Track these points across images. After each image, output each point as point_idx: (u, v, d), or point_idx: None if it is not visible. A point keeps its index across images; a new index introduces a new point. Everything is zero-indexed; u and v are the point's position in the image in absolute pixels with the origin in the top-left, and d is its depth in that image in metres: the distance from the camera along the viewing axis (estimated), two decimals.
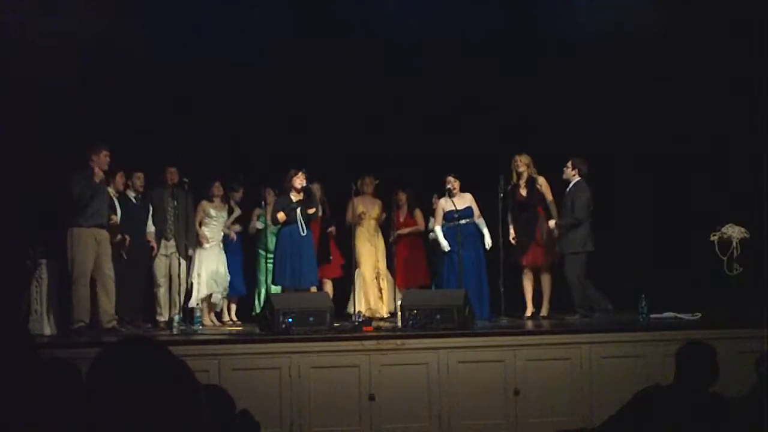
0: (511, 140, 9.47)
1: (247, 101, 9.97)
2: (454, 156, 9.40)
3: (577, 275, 8.73)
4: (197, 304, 8.97)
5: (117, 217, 8.48)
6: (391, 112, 10.18)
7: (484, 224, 9.01)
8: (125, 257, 8.60)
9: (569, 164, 8.98)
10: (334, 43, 9.94)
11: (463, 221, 8.89)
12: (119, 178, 8.76)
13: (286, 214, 8.79)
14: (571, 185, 8.96)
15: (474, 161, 9.35)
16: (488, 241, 8.96)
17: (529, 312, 9.05)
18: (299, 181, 8.84)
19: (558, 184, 9.11)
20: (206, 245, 9.22)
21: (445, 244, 8.96)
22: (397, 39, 9.88)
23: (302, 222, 8.79)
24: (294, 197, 8.84)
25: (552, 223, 8.92)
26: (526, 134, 9.71)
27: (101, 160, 8.03)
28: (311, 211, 8.91)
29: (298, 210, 8.79)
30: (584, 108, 9.92)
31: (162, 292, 9.05)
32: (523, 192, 9.05)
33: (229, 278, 9.31)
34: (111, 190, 8.52)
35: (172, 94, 9.53)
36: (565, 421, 6.86)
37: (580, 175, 8.94)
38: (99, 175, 8.02)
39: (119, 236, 8.59)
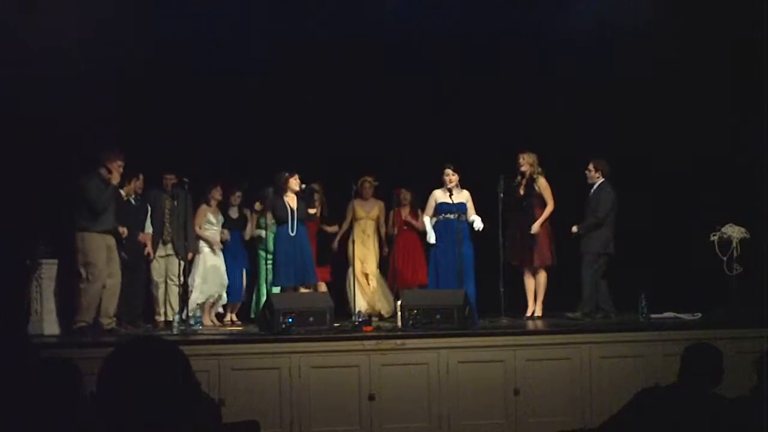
0: (512, 140, 9.47)
1: (246, 101, 9.97)
2: (453, 156, 9.38)
3: (592, 275, 8.72)
4: (196, 305, 8.98)
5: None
6: (391, 112, 10.18)
7: (478, 219, 8.90)
8: (125, 256, 8.60)
9: (591, 167, 8.97)
10: (333, 42, 9.95)
11: (454, 216, 8.86)
12: (137, 182, 8.80)
13: (276, 215, 8.81)
14: (595, 187, 8.95)
15: (474, 161, 9.35)
16: (478, 225, 8.83)
17: (530, 311, 9.04)
18: (295, 183, 8.84)
19: (558, 184, 9.12)
20: (206, 248, 9.21)
21: (431, 234, 8.95)
22: (397, 39, 9.90)
23: (292, 222, 8.77)
24: (288, 199, 8.83)
25: (574, 228, 8.87)
26: (526, 134, 9.70)
27: (115, 169, 8.04)
28: (312, 211, 8.92)
29: (291, 211, 8.77)
30: (584, 108, 9.92)
31: (160, 293, 9.06)
32: (521, 191, 9.05)
33: (227, 281, 9.31)
34: (123, 192, 8.61)
35: (171, 95, 9.52)
36: (565, 421, 6.84)
37: (603, 177, 8.94)
38: (116, 179, 8.05)
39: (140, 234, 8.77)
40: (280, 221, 8.82)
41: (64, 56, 8.66)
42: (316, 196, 9.24)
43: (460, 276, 8.55)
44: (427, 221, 9.10)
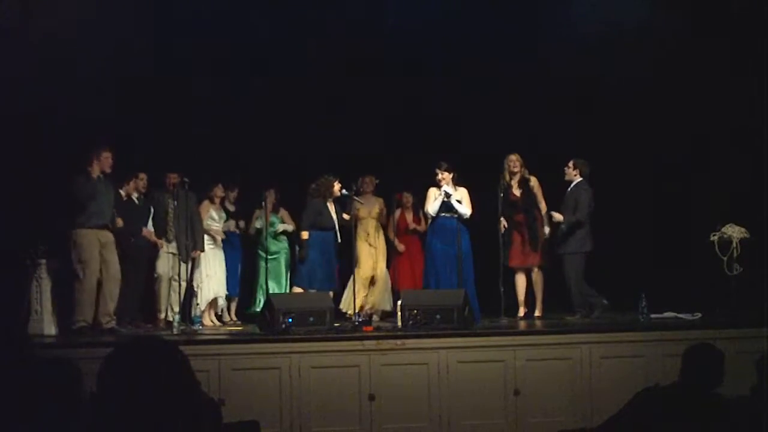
0: (511, 140, 9.47)
1: (246, 102, 9.97)
2: (453, 156, 9.38)
3: (576, 275, 8.72)
4: (197, 305, 8.99)
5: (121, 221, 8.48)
6: (391, 113, 10.18)
7: (467, 211, 8.80)
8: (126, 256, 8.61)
9: (570, 164, 8.98)
10: (333, 43, 9.95)
11: (447, 215, 8.83)
12: (139, 182, 8.83)
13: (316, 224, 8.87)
14: (572, 185, 8.95)
15: (474, 161, 9.35)
16: (464, 211, 8.76)
17: (521, 312, 9.03)
18: (338, 188, 8.88)
19: (553, 184, 9.11)
20: (211, 245, 9.24)
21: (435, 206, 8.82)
22: (397, 39, 9.91)
23: (339, 229, 8.86)
24: (330, 205, 8.86)
25: (557, 215, 8.84)
26: (526, 134, 9.70)
27: (103, 161, 8.05)
28: (347, 217, 9.01)
29: (334, 218, 8.87)
30: (584, 108, 9.92)
31: (163, 293, 9.06)
32: (517, 192, 9.04)
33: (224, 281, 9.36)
34: (122, 192, 8.60)
35: (173, 95, 9.52)
36: (565, 421, 6.85)
37: (581, 176, 8.94)
38: (96, 171, 8.01)
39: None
40: (324, 227, 8.84)
41: (65, 56, 8.65)
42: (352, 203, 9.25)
43: (460, 275, 8.55)
44: (433, 209, 8.89)
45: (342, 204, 9.07)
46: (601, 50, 9.71)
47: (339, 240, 8.91)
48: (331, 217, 8.89)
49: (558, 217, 8.87)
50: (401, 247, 9.79)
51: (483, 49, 10.01)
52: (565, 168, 9.00)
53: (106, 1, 8.88)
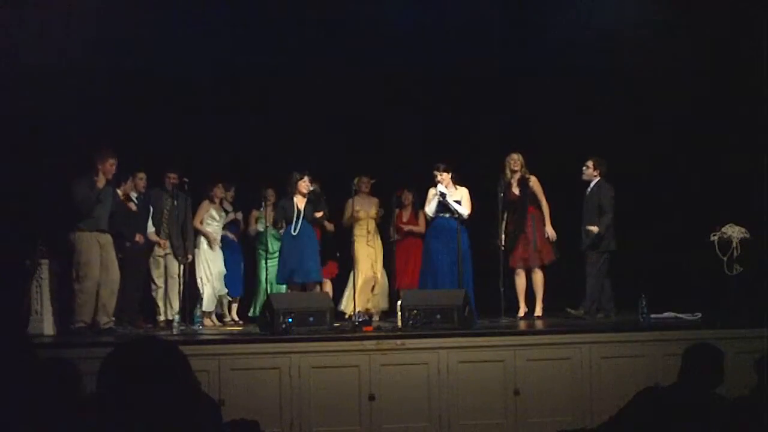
0: (511, 140, 9.47)
1: (246, 102, 9.97)
2: (453, 156, 9.39)
3: (598, 272, 8.71)
4: (198, 305, 8.99)
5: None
6: (391, 113, 10.18)
7: (466, 212, 8.80)
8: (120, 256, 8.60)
9: (590, 164, 8.93)
10: (332, 42, 9.95)
11: (446, 215, 8.82)
12: (137, 181, 8.82)
13: (282, 221, 8.89)
14: (593, 185, 8.92)
15: (473, 161, 9.35)
16: (463, 211, 8.76)
17: (521, 312, 9.03)
18: (304, 185, 8.88)
19: (552, 184, 9.11)
20: (211, 245, 9.23)
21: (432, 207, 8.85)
22: (397, 39, 9.91)
23: (296, 222, 8.82)
24: (298, 201, 8.87)
25: (594, 228, 8.77)
26: (525, 133, 9.71)
27: (107, 168, 8.03)
28: (319, 215, 8.99)
29: (298, 211, 8.84)
30: (583, 107, 9.92)
31: (160, 293, 9.07)
32: (516, 191, 9.03)
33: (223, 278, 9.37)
34: (120, 192, 8.58)
35: (173, 95, 9.52)
36: (565, 421, 6.85)
37: (600, 175, 8.92)
38: (102, 182, 8.01)
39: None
40: (288, 221, 8.86)
41: (65, 56, 8.65)
42: (323, 199, 9.25)
43: (460, 275, 8.54)
44: (430, 209, 8.93)
45: (313, 202, 9.06)
46: (602, 49, 9.71)
47: (294, 232, 8.82)
48: (293, 211, 8.88)
49: (594, 229, 8.79)
50: (411, 228, 9.72)
51: (483, 49, 10.01)
52: (584, 168, 8.95)
53: (106, 1, 8.88)
